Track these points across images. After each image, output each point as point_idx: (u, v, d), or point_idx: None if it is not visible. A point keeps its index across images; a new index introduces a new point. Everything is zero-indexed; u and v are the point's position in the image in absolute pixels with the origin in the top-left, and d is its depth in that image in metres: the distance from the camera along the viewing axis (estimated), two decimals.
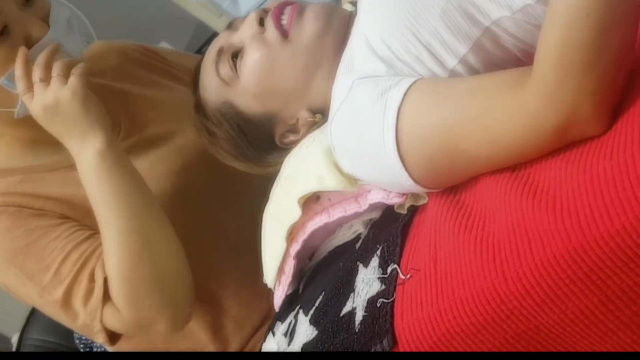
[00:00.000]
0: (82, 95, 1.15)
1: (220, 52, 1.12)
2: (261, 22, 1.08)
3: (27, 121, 1.23)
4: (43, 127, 1.24)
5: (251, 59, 1.08)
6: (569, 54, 0.70)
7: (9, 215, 1.23)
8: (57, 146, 1.26)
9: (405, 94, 0.85)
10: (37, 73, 1.16)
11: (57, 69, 1.16)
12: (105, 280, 1.20)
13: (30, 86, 1.17)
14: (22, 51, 1.17)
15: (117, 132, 1.35)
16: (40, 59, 1.16)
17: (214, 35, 2.56)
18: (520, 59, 0.90)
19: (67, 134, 1.19)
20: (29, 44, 1.18)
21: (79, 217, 1.27)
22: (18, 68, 1.17)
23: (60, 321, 1.28)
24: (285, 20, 1.07)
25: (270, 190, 1.15)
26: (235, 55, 1.10)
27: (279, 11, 1.07)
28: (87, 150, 1.18)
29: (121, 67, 1.49)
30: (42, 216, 1.25)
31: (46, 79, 1.16)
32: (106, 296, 1.20)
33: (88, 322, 1.22)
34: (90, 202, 1.21)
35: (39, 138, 1.28)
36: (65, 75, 1.16)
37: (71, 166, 1.25)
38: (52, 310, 1.25)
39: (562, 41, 0.71)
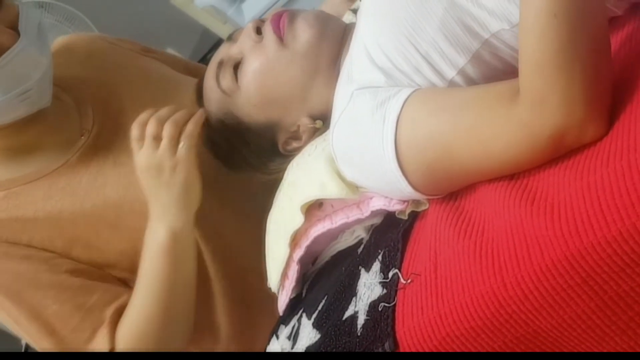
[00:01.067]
0: (186, 170, 1.12)
1: (220, 64, 1.13)
2: (258, 31, 1.09)
3: (1, 129, 1.19)
4: (19, 134, 1.20)
5: (251, 68, 1.08)
6: (546, 57, 0.71)
7: None
8: (35, 153, 1.24)
9: (403, 105, 0.86)
10: (150, 127, 1.11)
11: (166, 130, 1.11)
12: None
13: (143, 136, 1.12)
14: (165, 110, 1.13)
15: (90, 122, 1.29)
16: (162, 113, 1.12)
17: (219, 41, 2.57)
18: (518, 69, 0.90)
19: (155, 197, 1.15)
20: None
21: (67, 240, 1.22)
22: (145, 114, 1.13)
23: None
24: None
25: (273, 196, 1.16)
26: (236, 66, 1.10)
27: (278, 17, 1.08)
28: (163, 224, 1.16)
29: (90, 56, 1.42)
30: (31, 258, 1.19)
31: (159, 137, 1.12)
32: None
33: None
34: (141, 265, 1.18)
35: (16, 146, 1.23)
36: (176, 138, 1.11)
37: (52, 172, 1.23)
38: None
39: (539, 45, 0.71)
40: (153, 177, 1.13)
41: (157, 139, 1.11)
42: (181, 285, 1.21)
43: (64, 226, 1.22)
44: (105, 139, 1.29)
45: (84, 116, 1.30)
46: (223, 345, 1.39)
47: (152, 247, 1.17)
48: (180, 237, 1.16)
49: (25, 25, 1.11)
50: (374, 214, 1.00)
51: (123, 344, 1.18)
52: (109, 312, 1.20)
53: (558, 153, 0.75)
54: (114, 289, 1.23)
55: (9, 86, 1.11)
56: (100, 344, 1.17)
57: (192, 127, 1.12)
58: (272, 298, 1.17)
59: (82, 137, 1.28)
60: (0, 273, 1.18)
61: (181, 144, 1.12)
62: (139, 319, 1.19)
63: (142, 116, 1.13)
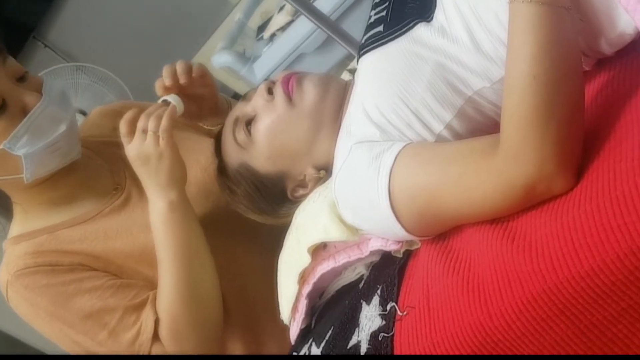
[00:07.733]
0: (170, 156, 1.16)
1: (236, 121, 1.15)
2: (270, 92, 1.11)
3: (39, 185, 1.24)
4: (57, 188, 1.27)
5: (263, 124, 1.10)
6: (525, 114, 0.72)
7: (43, 274, 1.22)
8: (72, 203, 1.29)
9: (395, 158, 0.87)
10: (141, 123, 1.16)
11: (151, 125, 1.15)
12: (156, 322, 1.20)
13: (132, 131, 1.17)
14: (143, 106, 1.19)
15: (123, 179, 1.35)
16: (149, 110, 1.17)
17: (233, 95, 2.61)
18: (499, 123, 0.91)
19: (149, 181, 1.19)
20: (26, 112, 1.16)
21: (103, 268, 1.26)
22: (130, 112, 1.18)
23: None
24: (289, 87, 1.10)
25: (283, 237, 1.16)
26: (249, 122, 1.12)
27: (287, 79, 1.10)
28: (161, 201, 1.19)
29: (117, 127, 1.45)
30: (74, 270, 1.23)
31: (146, 130, 1.16)
32: (155, 336, 1.20)
33: None
34: (155, 244, 1.21)
35: (54, 198, 1.29)
36: (157, 132, 1.15)
37: (87, 221, 1.28)
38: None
39: (518, 104, 0.73)
40: (142, 165, 1.17)
41: (145, 131, 1.16)
42: (195, 246, 1.22)
43: (98, 260, 1.26)
44: (135, 192, 1.33)
45: (116, 173, 1.36)
46: None
47: (157, 221, 1.20)
48: (178, 205, 1.20)
49: (47, 89, 1.20)
50: (372, 253, 1.01)
51: (163, 313, 1.20)
52: (150, 295, 1.23)
53: (530, 202, 0.76)
54: (150, 284, 1.26)
55: (38, 139, 1.18)
56: (146, 319, 1.20)
57: (165, 123, 1.16)
58: (279, 326, 1.17)
59: (115, 192, 1.33)
60: (49, 287, 1.21)
61: (161, 140, 1.15)
62: (168, 283, 1.20)
63: (128, 114, 1.17)
